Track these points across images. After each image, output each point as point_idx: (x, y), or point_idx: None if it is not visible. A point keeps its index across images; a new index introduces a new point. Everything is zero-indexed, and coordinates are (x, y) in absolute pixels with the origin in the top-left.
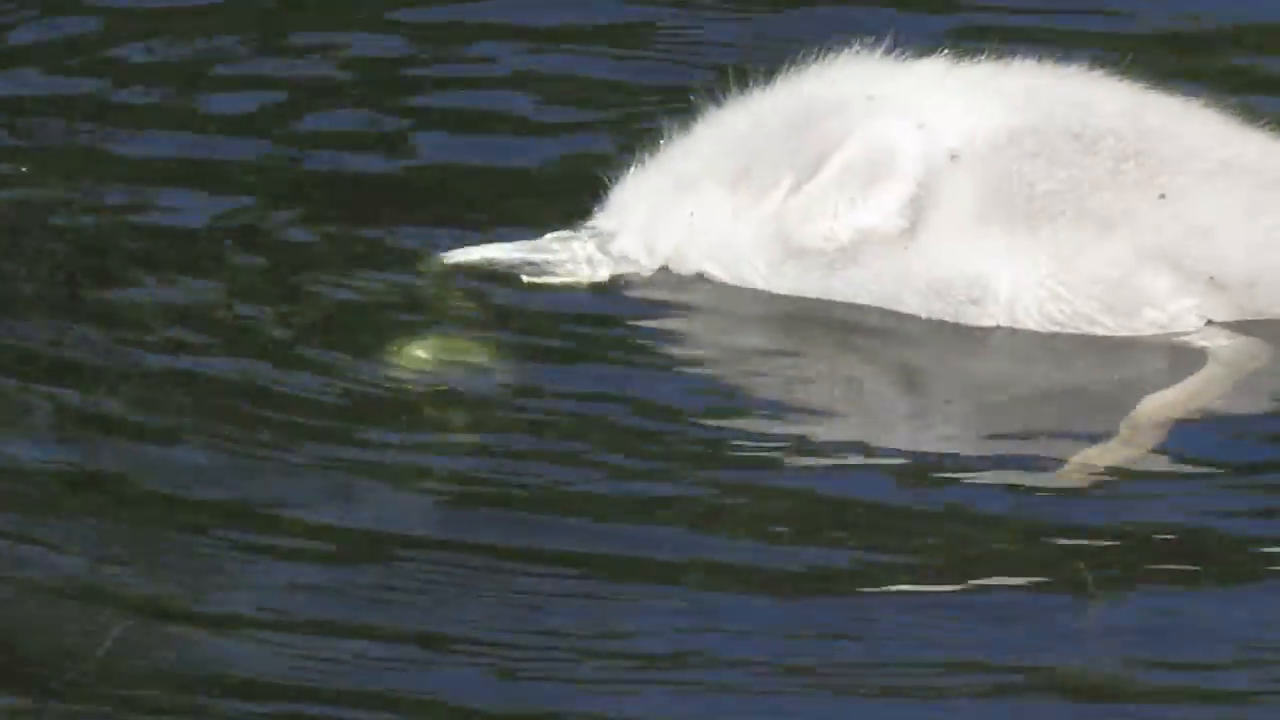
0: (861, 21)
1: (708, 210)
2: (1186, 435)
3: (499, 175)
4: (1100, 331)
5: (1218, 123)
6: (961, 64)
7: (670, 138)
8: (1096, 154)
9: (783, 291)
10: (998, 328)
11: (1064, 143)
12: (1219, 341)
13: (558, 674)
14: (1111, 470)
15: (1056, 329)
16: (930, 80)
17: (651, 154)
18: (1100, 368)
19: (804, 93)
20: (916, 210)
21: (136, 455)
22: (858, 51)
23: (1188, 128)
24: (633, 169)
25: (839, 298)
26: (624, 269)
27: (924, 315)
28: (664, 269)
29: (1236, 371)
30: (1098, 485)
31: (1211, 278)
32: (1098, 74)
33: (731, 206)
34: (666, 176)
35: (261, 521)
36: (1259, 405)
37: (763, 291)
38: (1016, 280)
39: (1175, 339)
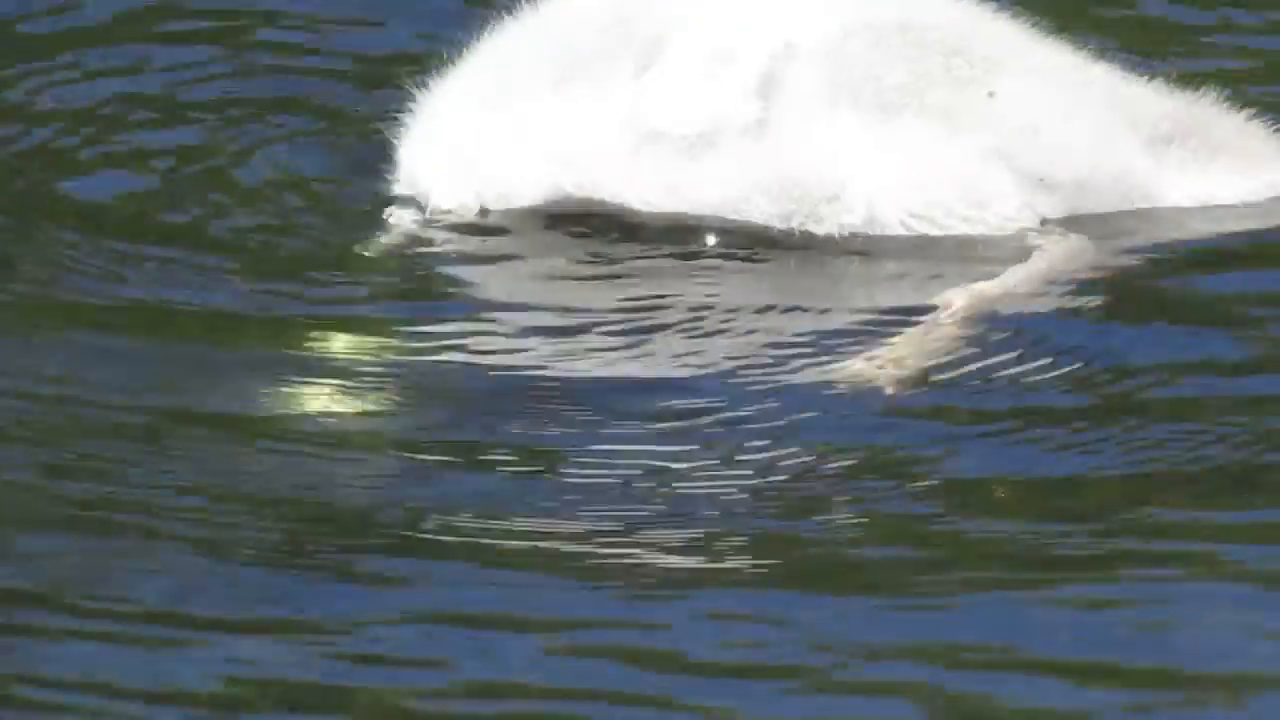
0: None
1: (537, 122)
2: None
3: None
4: (958, 229)
5: (1029, 31)
6: None
7: (453, 59)
8: (926, 47)
9: (636, 197)
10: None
11: (895, 36)
12: (1048, 240)
13: None
14: (916, 358)
15: (913, 227)
16: None
17: (438, 77)
18: (946, 263)
19: None
20: (767, 101)
21: None
22: None
23: (1004, 31)
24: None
25: (690, 207)
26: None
27: (777, 222)
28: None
29: (1055, 270)
30: (908, 376)
31: (1041, 179)
32: None
33: (565, 112)
34: (470, 97)
35: None
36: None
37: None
38: (876, 175)
39: (1017, 236)
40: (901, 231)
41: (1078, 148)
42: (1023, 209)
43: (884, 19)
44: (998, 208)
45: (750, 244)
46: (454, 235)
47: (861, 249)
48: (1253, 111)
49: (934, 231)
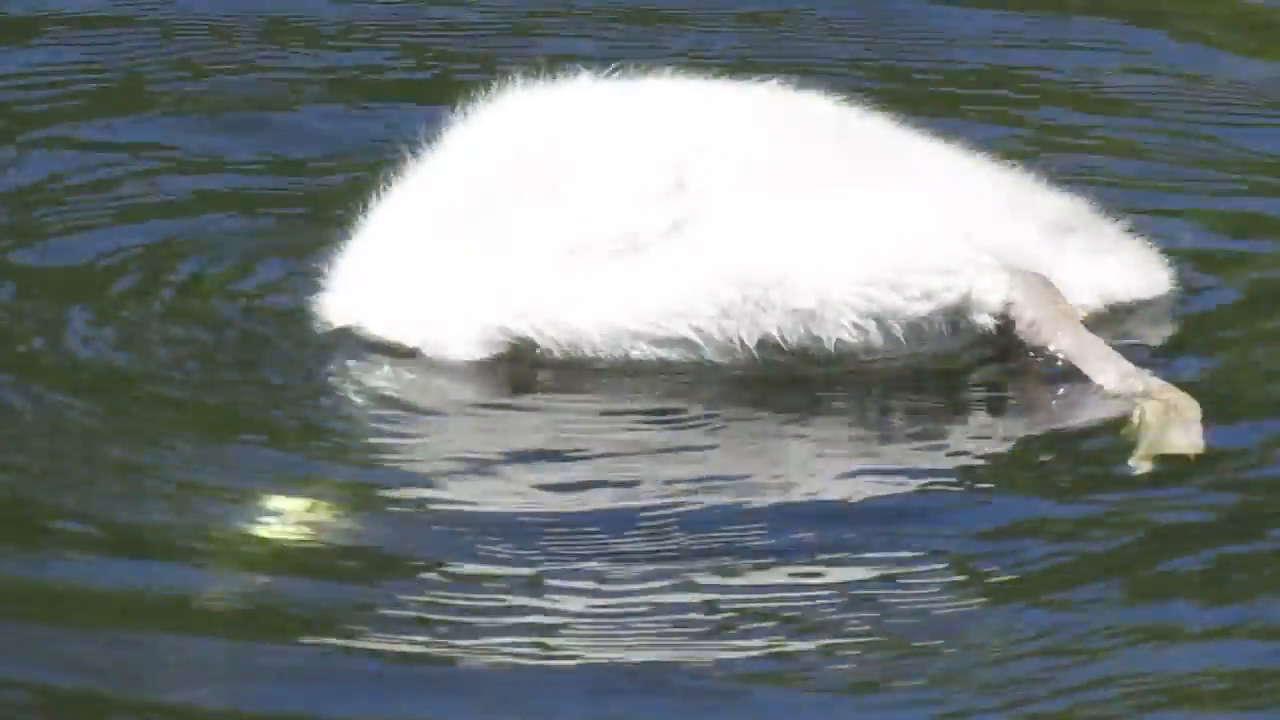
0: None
1: (465, 263)
2: None
3: None
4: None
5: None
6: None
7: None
8: (823, 134)
9: (573, 316)
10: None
11: (790, 128)
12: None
13: None
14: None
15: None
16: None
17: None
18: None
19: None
20: (687, 198)
21: None
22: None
23: (888, 125)
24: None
25: (628, 323)
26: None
27: (719, 326)
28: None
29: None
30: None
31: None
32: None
33: (491, 247)
34: (397, 239)
35: None
36: None
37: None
38: (821, 249)
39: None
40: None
41: (988, 219)
42: (965, 254)
43: (777, 114)
44: (943, 256)
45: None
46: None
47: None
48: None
49: (888, 304)
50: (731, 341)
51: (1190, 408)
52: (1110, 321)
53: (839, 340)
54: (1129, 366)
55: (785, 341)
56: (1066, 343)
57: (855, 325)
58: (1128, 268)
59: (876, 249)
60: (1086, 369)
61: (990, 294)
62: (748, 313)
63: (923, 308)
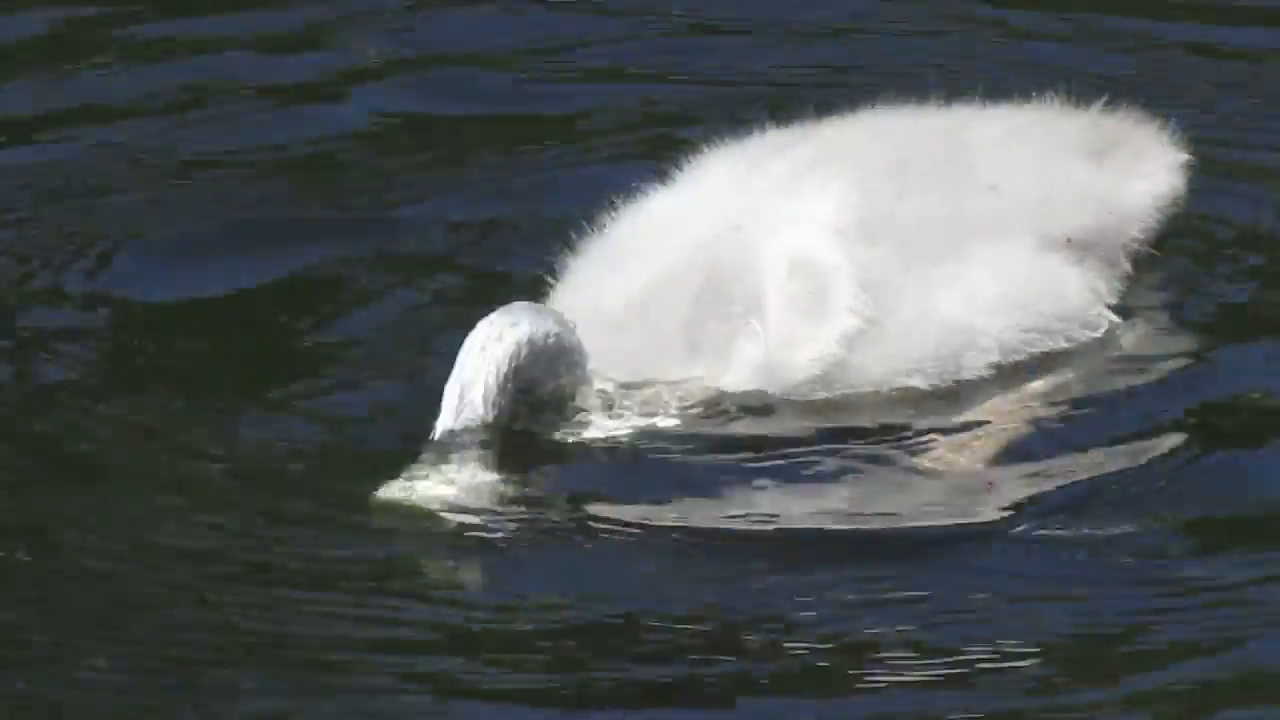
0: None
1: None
2: None
3: None
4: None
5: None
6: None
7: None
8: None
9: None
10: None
11: (886, 184)
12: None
13: None
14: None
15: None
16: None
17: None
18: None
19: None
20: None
21: None
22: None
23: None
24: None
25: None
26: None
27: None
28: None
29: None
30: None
31: (1068, 239)
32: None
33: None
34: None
35: None
36: None
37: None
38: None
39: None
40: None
41: (1063, 188)
42: (1086, 293)
43: (874, 169)
44: (1074, 297)
45: None
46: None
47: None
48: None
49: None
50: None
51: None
52: None
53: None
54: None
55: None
56: None
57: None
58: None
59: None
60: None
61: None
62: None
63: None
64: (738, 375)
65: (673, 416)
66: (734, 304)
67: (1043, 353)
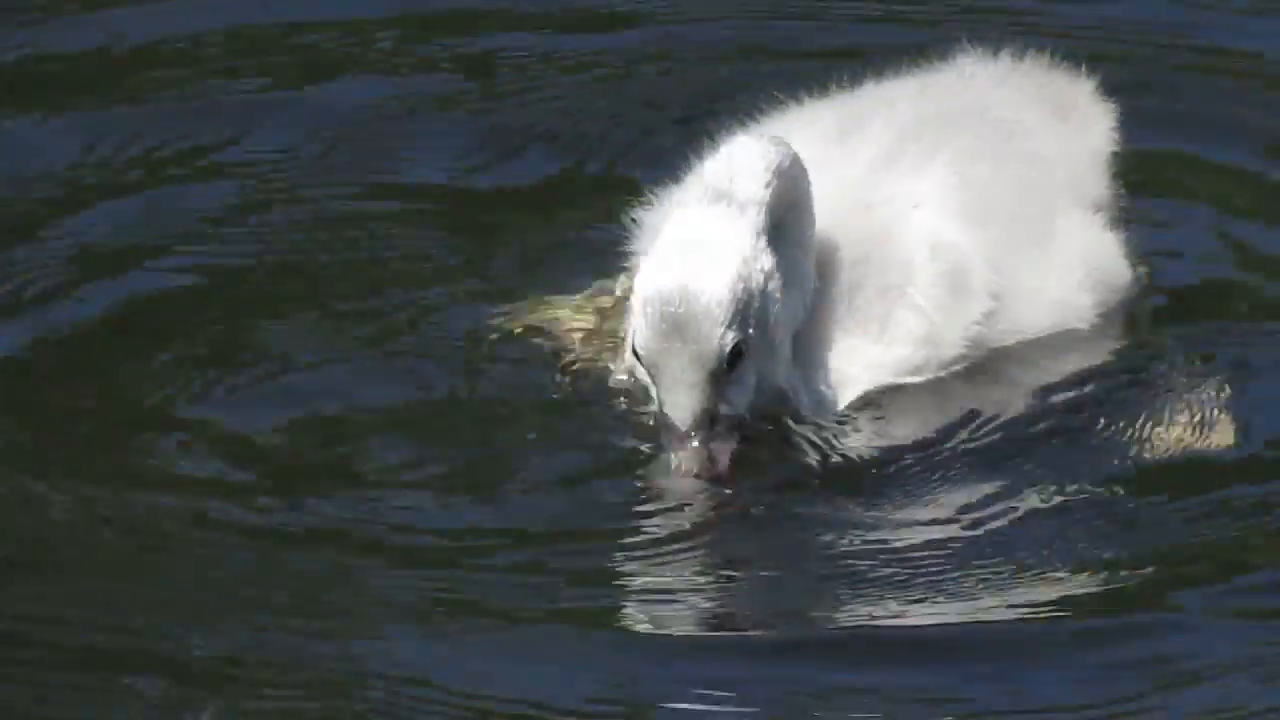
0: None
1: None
2: None
3: None
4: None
5: None
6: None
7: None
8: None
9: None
10: None
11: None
12: None
13: None
14: None
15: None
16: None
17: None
18: None
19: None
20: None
21: None
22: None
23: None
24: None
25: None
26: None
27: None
28: None
29: None
30: None
31: None
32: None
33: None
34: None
35: None
36: None
37: None
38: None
39: None
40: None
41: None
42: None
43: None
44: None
45: None
46: None
47: None
48: None
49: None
50: None
51: None
52: None
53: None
54: None
55: None
56: None
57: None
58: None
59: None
60: None
61: None
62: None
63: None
64: (901, 348)
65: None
66: (889, 275)
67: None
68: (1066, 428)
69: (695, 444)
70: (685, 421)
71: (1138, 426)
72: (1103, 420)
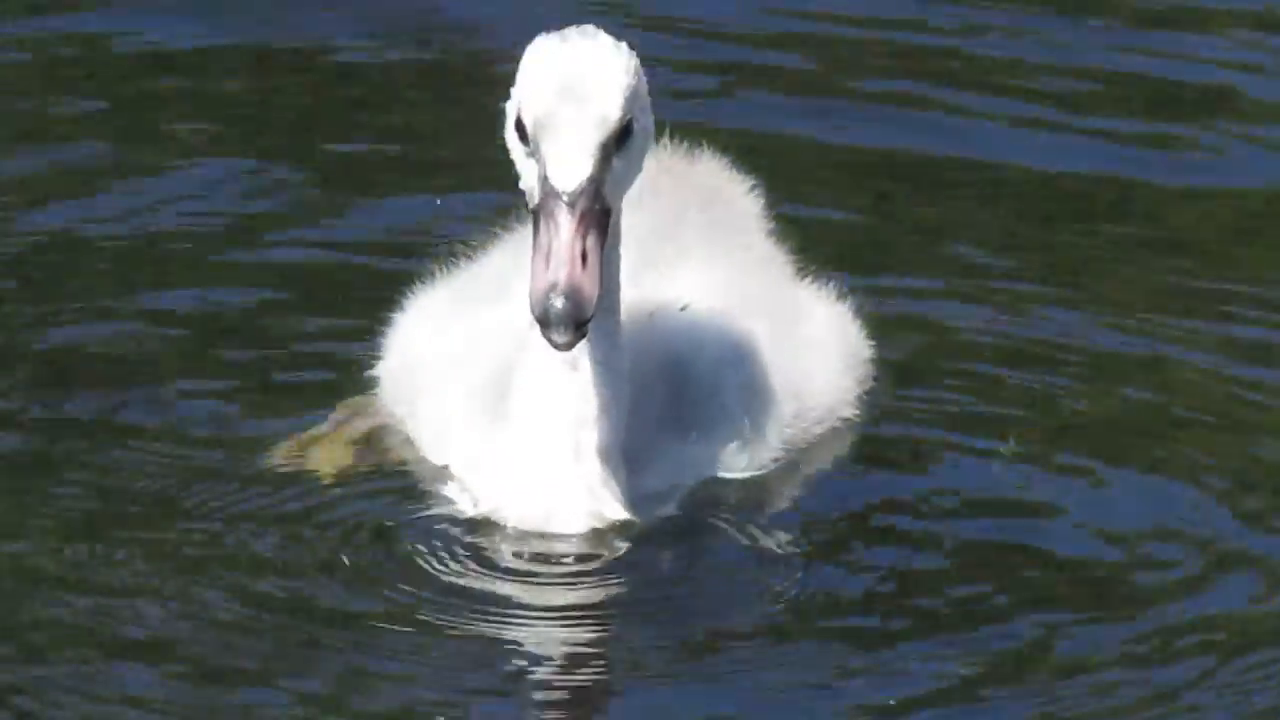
0: None
1: None
2: None
3: None
4: None
5: None
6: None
7: None
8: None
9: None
10: None
11: None
12: None
13: None
14: None
15: None
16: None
17: None
18: None
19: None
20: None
21: None
22: None
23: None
24: None
25: None
26: None
27: None
28: None
29: None
30: None
31: None
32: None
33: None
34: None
35: None
36: None
37: None
38: None
39: None
40: None
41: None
42: None
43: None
44: None
45: None
46: None
47: None
48: None
49: None
50: None
51: None
52: None
53: None
54: None
55: None
56: None
57: None
58: None
59: None
60: None
61: None
62: None
63: None
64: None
65: None
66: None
67: None
68: None
69: (573, 222)
70: (574, 182)
71: None
72: None
